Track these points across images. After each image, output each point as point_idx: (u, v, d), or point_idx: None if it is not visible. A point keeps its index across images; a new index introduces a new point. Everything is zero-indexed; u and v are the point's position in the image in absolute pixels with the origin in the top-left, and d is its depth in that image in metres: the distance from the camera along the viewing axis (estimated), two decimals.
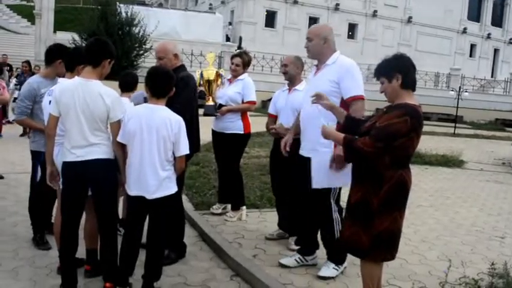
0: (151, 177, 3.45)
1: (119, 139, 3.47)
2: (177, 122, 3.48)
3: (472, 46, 44.13)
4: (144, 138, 3.42)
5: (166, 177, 3.51)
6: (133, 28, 25.36)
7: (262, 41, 34.10)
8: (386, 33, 39.89)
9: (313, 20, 37.25)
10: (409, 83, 3.13)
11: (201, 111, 4.75)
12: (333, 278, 4.03)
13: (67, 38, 24.26)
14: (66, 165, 3.50)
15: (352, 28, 39.25)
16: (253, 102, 5.47)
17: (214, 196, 6.27)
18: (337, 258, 4.09)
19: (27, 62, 13.25)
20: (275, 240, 4.91)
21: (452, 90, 22.49)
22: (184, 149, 3.53)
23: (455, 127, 20.91)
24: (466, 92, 22.94)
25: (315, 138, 3.89)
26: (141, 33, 25.43)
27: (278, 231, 5.02)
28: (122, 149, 3.53)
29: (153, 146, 3.42)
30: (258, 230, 5.24)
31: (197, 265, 4.36)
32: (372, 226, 3.07)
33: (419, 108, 3.09)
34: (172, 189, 3.57)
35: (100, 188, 3.53)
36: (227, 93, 5.41)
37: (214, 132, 5.60)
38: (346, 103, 3.87)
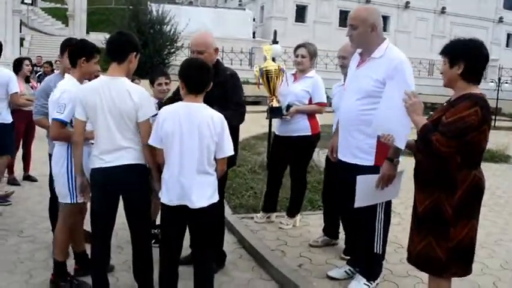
0: (194, 185, 3.01)
1: (151, 142, 3.07)
2: (219, 119, 3.05)
3: (509, 36, 42.54)
4: (184, 140, 2.98)
5: (211, 184, 3.10)
6: (165, 26, 25.33)
7: (292, 35, 33.40)
8: (419, 25, 38.79)
9: (344, 14, 36.50)
10: (473, 75, 2.72)
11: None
12: None
13: (100, 38, 24.31)
14: (94, 172, 3.21)
15: (384, 20, 37.54)
16: (324, 104, 4.84)
17: (253, 198, 5.92)
18: (370, 273, 3.63)
19: (49, 63, 13.02)
20: (320, 248, 4.52)
21: (492, 82, 21.53)
22: (228, 149, 3.10)
23: (495, 120, 19.97)
24: (506, 83, 21.95)
25: (354, 142, 3.47)
26: (172, 31, 25.38)
27: (323, 237, 4.62)
28: (153, 153, 3.16)
29: (195, 148, 2.99)
30: (301, 235, 4.86)
31: (238, 276, 4.01)
32: (448, 237, 2.68)
33: (486, 97, 2.72)
34: (216, 197, 3.15)
35: (131, 196, 3.22)
36: (293, 90, 4.79)
37: (277, 137, 5.06)
38: None
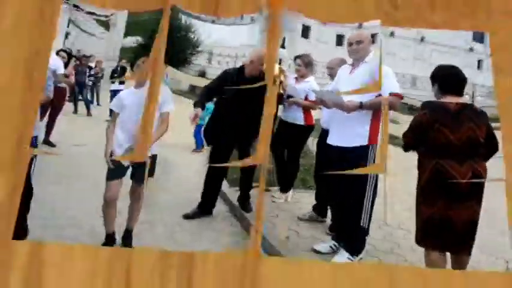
0: None
1: None
2: None
3: (480, 61, 41.39)
4: None
5: None
6: (189, 34, 25.01)
7: (298, 47, 33.10)
8: (403, 50, 37.99)
9: (339, 37, 35.96)
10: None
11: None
12: None
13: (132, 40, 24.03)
14: None
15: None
16: (315, 102, 4.40)
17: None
18: (353, 248, 3.07)
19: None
20: (308, 223, 3.92)
21: (466, 95, 20.92)
22: None
23: None
24: (479, 96, 21.38)
25: (351, 131, 3.04)
26: (195, 39, 25.10)
27: (311, 213, 4.05)
28: None
29: None
30: (291, 210, 4.25)
31: (228, 242, 3.42)
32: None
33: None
34: None
35: None
36: (293, 88, 4.58)
37: (280, 121, 4.75)
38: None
